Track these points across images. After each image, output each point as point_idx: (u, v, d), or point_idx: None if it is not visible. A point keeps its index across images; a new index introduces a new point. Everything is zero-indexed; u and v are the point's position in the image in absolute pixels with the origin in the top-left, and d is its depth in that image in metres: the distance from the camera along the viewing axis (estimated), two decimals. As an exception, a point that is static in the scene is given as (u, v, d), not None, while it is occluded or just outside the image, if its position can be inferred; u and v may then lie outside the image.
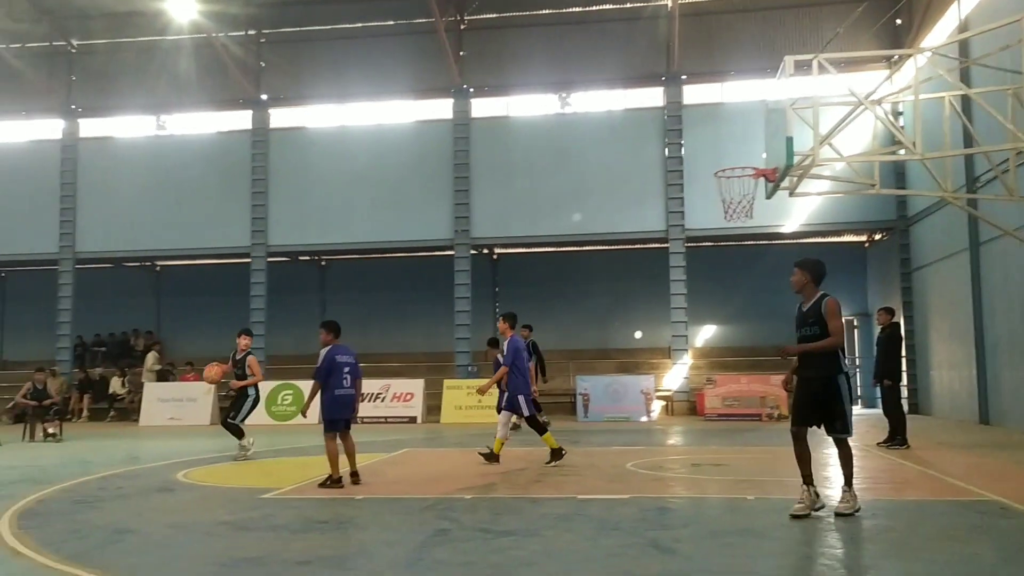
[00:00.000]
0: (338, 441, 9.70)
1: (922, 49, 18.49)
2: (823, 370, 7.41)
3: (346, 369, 9.66)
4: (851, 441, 7.55)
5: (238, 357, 13.57)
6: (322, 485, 9.49)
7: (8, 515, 8.13)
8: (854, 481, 7.49)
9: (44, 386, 18.40)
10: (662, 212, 23.15)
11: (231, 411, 13.65)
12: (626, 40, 24.01)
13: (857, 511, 7.28)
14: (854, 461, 7.57)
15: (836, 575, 5.52)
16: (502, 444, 11.69)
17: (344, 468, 9.65)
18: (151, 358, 24.53)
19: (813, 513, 7.29)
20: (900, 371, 14.15)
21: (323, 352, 9.74)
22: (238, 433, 13.39)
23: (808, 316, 7.69)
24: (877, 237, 24.69)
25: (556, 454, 11.57)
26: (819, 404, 7.40)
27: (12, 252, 26.28)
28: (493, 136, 24.22)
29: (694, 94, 23.71)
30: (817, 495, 7.41)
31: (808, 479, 7.42)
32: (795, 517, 7.21)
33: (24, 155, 26.32)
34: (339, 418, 9.66)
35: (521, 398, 11.66)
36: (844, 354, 7.52)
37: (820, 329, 7.49)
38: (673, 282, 23.06)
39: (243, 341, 13.67)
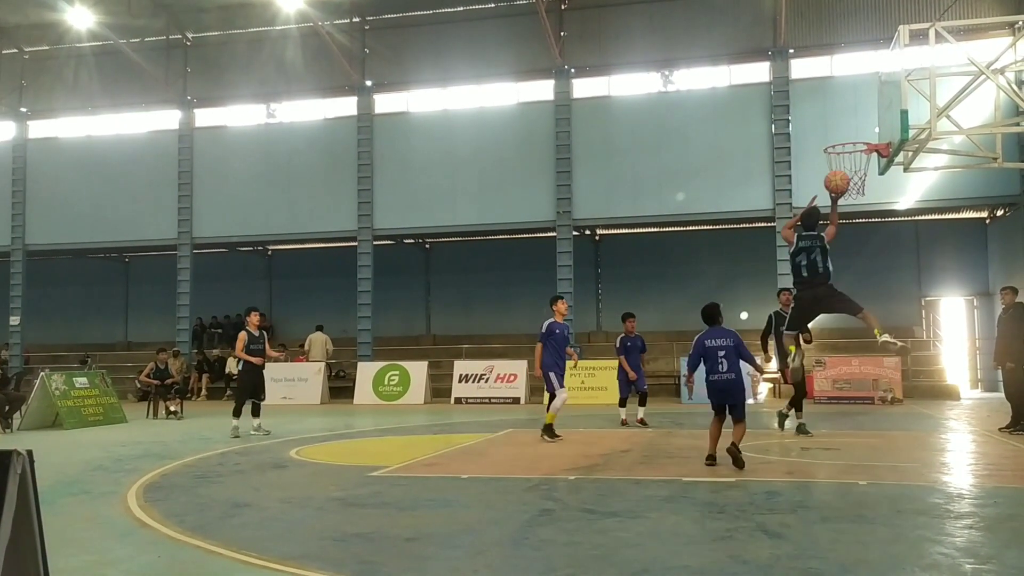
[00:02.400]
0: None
1: (1050, 13, 17.47)
2: None
3: (721, 353, 9.28)
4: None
5: (257, 334, 13.97)
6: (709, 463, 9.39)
7: (135, 488, 8.57)
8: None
9: (166, 366, 19.24)
10: (769, 190, 22.59)
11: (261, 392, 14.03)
12: (730, 14, 23.46)
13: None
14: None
15: (955, 564, 5.30)
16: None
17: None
18: (323, 339, 24.83)
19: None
20: (1024, 353, 13.45)
21: (696, 337, 9.63)
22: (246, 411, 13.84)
23: None
24: (999, 213, 23.50)
25: (548, 431, 12.39)
26: None
27: (135, 238, 27.61)
28: (595, 116, 24.04)
29: (802, 68, 22.99)
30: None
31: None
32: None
33: (144, 145, 27.49)
34: (714, 403, 9.45)
35: (552, 375, 12.35)
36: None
37: None
38: (780, 261, 22.48)
39: (256, 319, 14.13)
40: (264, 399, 14.07)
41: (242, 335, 14.01)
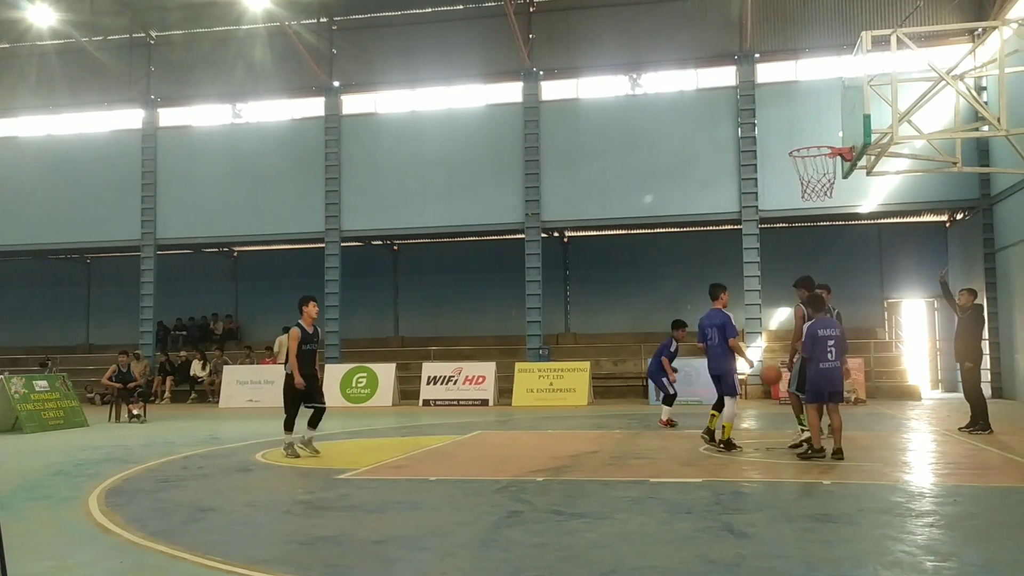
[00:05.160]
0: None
1: (1008, 21, 17.75)
2: None
3: (830, 343, 9.86)
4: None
5: (311, 331, 11.43)
6: (803, 456, 10.01)
7: (96, 493, 8.45)
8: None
9: (128, 369, 18.96)
10: (735, 193, 22.77)
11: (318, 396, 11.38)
12: (697, 19, 23.64)
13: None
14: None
15: (916, 562, 5.39)
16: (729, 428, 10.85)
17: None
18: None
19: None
20: (982, 353, 13.68)
21: (805, 326, 10.09)
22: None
23: None
24: (959, 216, 23.91)
25: (728, 445, 10.85)
26: None
27: (96, 239, 27.20)
28: (563, 119, 24.11)
29: (768, 72, 23.23)
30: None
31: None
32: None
33: (107, 145, 27.12)
34: (822, 390, 9.89)
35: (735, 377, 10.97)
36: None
37: None
38: (747, 264, 22.69)
39: (314, 310, 11.47)
40: (324, 405, 11.40)
41: (294, 333, 11.08)
